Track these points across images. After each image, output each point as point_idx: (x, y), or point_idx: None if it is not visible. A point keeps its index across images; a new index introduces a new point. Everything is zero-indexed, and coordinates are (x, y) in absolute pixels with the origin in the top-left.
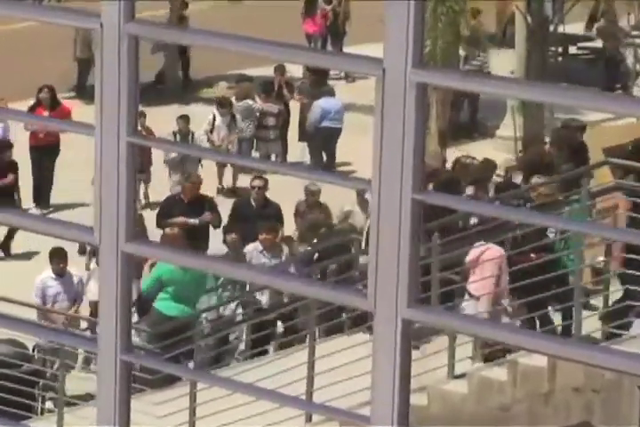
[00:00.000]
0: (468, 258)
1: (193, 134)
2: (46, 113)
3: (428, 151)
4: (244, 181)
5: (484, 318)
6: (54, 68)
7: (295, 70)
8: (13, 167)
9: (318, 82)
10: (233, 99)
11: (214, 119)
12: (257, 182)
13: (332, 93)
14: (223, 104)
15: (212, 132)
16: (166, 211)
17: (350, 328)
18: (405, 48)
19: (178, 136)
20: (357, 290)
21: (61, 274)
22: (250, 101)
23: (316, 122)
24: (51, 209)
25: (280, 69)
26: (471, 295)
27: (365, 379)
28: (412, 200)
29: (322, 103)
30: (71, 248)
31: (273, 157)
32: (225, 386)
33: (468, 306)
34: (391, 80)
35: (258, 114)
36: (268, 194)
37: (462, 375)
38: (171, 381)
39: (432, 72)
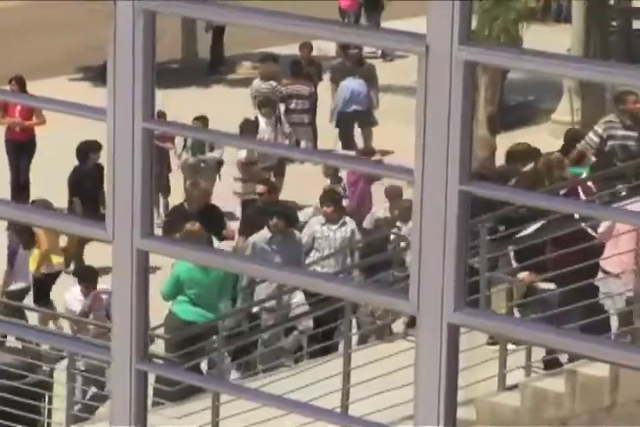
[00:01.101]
0: (600, 230)
1: None
2: (18, 107)
3: (476, 138)
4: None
5: (628, 298)
6: (59, 47)
7: (330, 48)
8: None
9: (356, 61)
10: (257, 80)
11: (257, 123)
12: (260, 189)
13: (371, 74)
14: (265, 103)
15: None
16: (171, 224)
17: (390, 334)
18: (451, 22)
19: (189, 142)
20: (399, 291)
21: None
22: (274, 83)
23: (344, 105)
24: None
25: (306, 47)
26: (606, 272)
27: (407, 391)
28: (458, 192)
29: (348, 85)
30: None
31: (303, 145)
32: (252, 398)
33: (607, 283)
34: (435, 58)
35: (280, 96)
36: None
37: (514, 387)
38: (191, 393)
39: (481, 49)
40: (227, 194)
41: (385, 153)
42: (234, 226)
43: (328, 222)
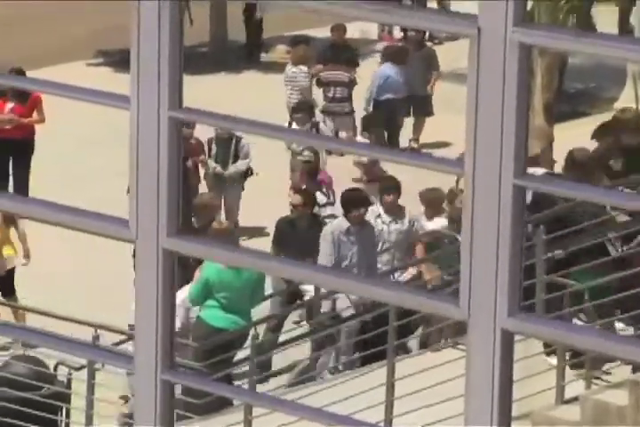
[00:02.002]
0: None
1: (239, 141)
2: (10, 104)
3: (532, 128)
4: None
5: None
6: (75, 29)
7: (372, 31)
8: None
9: (416, 44)
10: (288, 65)
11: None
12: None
13: (431, 57)
14: (300, 108)
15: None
16: None
17: (436, 342)
18: (505, 2)
19: (215, 147)
20: (448, 296)
21: None
22: (304, 68)
23: (378, 93)
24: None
25: (339, 29)
26: None
27: (457, 403)
28: (513, 186)
29: (383, 71)
30: None
31: (343, 135)
32: (288, 411)
33: None
34: (488, 41)
35: (307, 82)
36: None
37: (574, 399)
38: (221, 405)
39: (537, 31)
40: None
41: (442, 145)
42: None
43: (387, 213)
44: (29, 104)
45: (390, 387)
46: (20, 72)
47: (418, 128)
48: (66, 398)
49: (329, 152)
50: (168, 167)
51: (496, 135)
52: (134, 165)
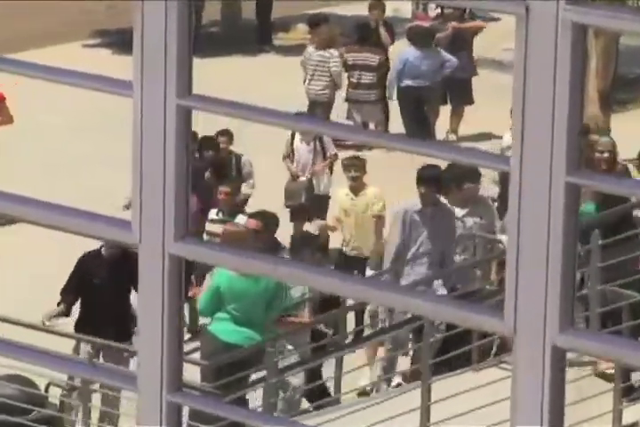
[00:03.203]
0: None
1: (239, 159)
2: None
3: (586, 117)
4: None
5: None
6: (70, 7)
7: (406, 10)
8: None
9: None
10: (311, 48)
11: (293, 138)
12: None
13: (466, 38)
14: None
15: (289, 158)
16: None
17: (480, 360)
18: None
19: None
20: (492, 309)
21: None
22: (334, 52)
23: (397, 79)
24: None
25: (378, 8)
26: None
27: None
28: (565, 184)
29: (404, 55)
30: None
31: (372, 126)
32: None
33: None
34: (537, 21)
35: (338, 68)
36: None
37: (634, 425)
38: None
39: (593, 9)
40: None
41: (484, 137)
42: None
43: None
44: None
45: (425, 411)
46: None
47: (456, 118)
48: (58, 423)
49: (357, 147)
50: (175, 162)
51: (546, 127)
52: (138, 160)
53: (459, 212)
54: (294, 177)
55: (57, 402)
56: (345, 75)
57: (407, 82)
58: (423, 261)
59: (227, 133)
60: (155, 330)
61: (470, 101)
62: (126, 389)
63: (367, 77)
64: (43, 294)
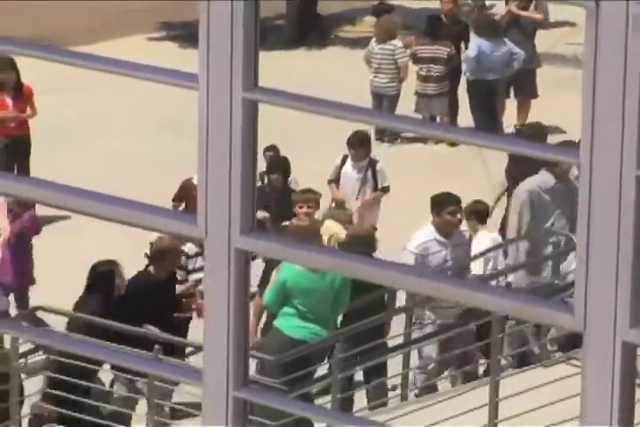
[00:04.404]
0: None
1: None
2: (8, 100)
3: None
4: None
5: None
6: (136, 2)
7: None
8: None
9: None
10: (372, 41)
11: (343, 163)
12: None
13: (532, 29)
14: (357, 143)
15: (335, 182)
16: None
17: (546, 357)
18: None
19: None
20: (561, 304)
21: None
22: (398, 43)
23: (470, 72)
24: None
25: None
26: None
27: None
28: (636, 179)
29: (476, 45)
30: None
31: (438, 120)
32: None
33: None
34: (608, 15)
35: (404, 60)
36: None
37: None
38: None
39: None
40: None
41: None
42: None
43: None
44: (24, 98)
45: (493, 407)
46: (12, 64)
47: (523, 112)
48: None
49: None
50: (242, 156)
51: (617, 121)
52: (203, 153)
53: None
54: (337, 203)
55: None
56: (414, 68)
57: (478, 74)
58: (553, 239)
59: (273, 149)
60: (221, 325)
61: (535, 95)
62: (192, 384)
63: (436, 70)
64: None
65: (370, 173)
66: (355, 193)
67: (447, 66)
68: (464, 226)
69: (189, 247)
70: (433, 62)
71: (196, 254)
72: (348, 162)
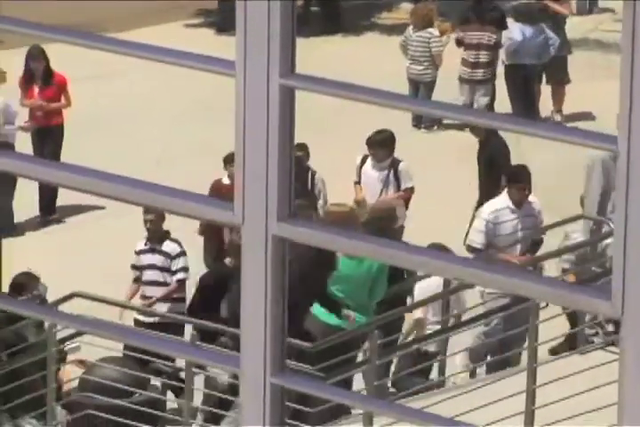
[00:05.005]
0: None
1: (313, 176)
2: (37, 88)
3: None
4: None
5: None
6: None
7: None
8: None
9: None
10: (409, 28)
11: (363, 164)
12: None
13: (562, 16)
14: (377, 143)
15: (358, 183)
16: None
17: (586, 343)
18: None
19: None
20: (599, 290)
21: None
22: (434, 31)
23: (507, 57)
24: (55, 215)
25: None
26: None
27: (608, 414)
28: None
29: (516, 30)
30: None
31: (476, 105)
32: (416, 421)
33: None
34: None
35: (439, 49)
36: None
37: None
38: (336, 414)
39: None
40: None
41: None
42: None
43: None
44: (55, 87)
45: (531, 394)
46: (41, 52)
47: (558, 98)
48: (161, 407)
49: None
50: (279, 142)
51: None
52: (241, 140)
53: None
54: (358, 204)
55: (159, 384)
56: (458, 53)
57: (516, 59)
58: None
59: (304, 148)
60: (258, 312)
61: (568, 80)
62: (230, 370)
63: (484, 56)
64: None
65: (392, 173)
66: (377, 194)
67: (492, 52)
68: (533, 197)
69: (172, 248)
70: (481, 48)
71: (180, 254)
72: (369, 161)
